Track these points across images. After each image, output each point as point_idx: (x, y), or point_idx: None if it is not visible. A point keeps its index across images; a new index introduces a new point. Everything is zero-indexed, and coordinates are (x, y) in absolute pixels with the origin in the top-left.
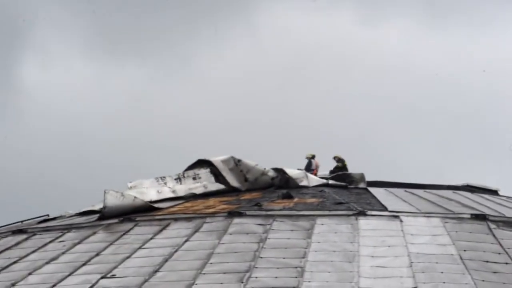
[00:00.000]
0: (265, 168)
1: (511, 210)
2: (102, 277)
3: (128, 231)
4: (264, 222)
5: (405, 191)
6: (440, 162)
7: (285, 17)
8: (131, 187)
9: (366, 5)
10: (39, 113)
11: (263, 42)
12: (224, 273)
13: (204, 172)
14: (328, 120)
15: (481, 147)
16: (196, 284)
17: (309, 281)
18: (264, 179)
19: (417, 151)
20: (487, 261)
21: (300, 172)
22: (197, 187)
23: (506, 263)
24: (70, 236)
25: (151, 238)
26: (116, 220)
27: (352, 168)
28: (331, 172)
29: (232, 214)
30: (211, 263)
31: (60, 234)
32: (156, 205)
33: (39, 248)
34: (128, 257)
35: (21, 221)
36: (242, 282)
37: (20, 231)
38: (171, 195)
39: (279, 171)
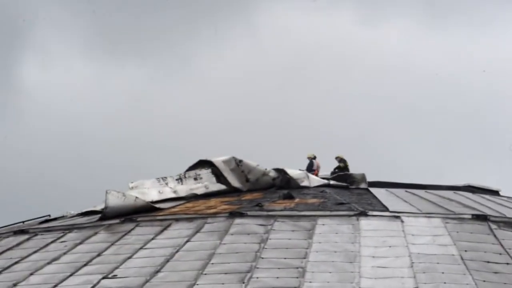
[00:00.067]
0: (266, 169)
1: None
2: (104, 278)
3: (130, 231)
4: (265, 222)
5: (406, 191)
6: (440, 162)
7: (285, 17)
8: (132, 188)
9: (366, 5)
10: (39, 113)
11: (263, 42)
12: (225, 273)
13: (205, 173)
14: (328, 120)
15: (481, 147)
16: (197, 284)
17: (310, 282)
18: (265, 180)
19: (417, 151)
20: (488, 262)
21: (301, 172)
22: (198, 188)
23: (507, 264)
24: (72, 236)
25: (152, 239)
26: (117, 221)
27: (353, 168)
28: (333, 172)
29: (233, 215)
30: (212, 263)
31: (62, 234)
32: (157, 205)
33: (41, 248)
34: (129, 258)
35: (23, 222)
36: (243, 283)
37: (21, 232)
38: (173, 195)
39: (280, 172)
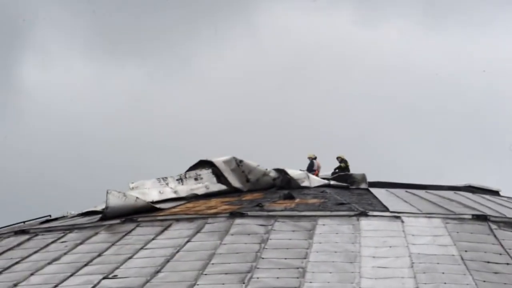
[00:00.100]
0: (266, 169)
1: None
2: (104, 278)
3: (130, 231)
4: (265, 222)
5: (406, 191)
6: (440, 162)
7: (285, 17)
8: (133, 188)
9: (365, 5)
10: (39, 113)
11: (263, 42)
12: (226, 273)
13: (205, 173)
14: (328, 120)
15: (481, 147)
16: (198, 284)
17: (310, 282)
18: (266, 180)
19: (417, 151)
20: (488, 262)
21: (301, 172)
22: (199, 188)
23: (507, 264)
24: (72, 236)
25: (153, 239)
26: (118, 221)
27: (353, 169)
28: (334, 172)
29: (233, 215)
30: (212, 263)
31: (62, 234)
32: (158, 205)
33: (41, 248)
34: (130, 258)
35: (23, 222)
36: (244, 283)
37: (22, 232)
38: (173, 195)
39: (281, 172)
